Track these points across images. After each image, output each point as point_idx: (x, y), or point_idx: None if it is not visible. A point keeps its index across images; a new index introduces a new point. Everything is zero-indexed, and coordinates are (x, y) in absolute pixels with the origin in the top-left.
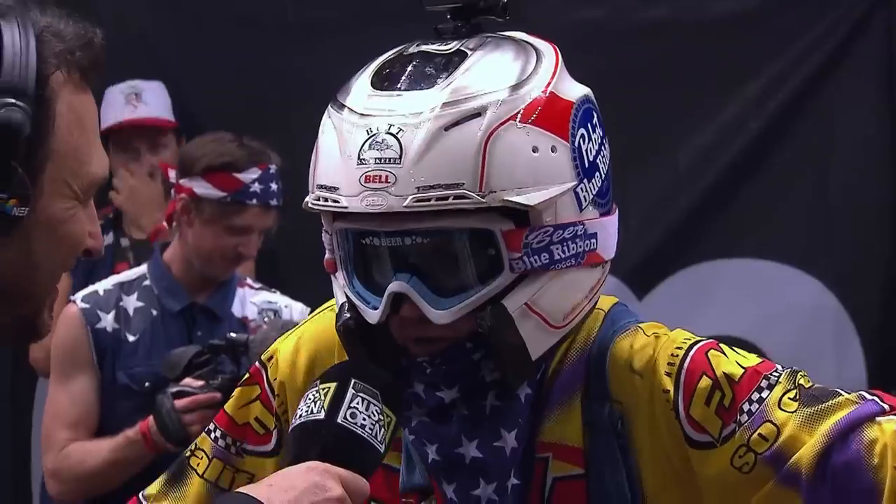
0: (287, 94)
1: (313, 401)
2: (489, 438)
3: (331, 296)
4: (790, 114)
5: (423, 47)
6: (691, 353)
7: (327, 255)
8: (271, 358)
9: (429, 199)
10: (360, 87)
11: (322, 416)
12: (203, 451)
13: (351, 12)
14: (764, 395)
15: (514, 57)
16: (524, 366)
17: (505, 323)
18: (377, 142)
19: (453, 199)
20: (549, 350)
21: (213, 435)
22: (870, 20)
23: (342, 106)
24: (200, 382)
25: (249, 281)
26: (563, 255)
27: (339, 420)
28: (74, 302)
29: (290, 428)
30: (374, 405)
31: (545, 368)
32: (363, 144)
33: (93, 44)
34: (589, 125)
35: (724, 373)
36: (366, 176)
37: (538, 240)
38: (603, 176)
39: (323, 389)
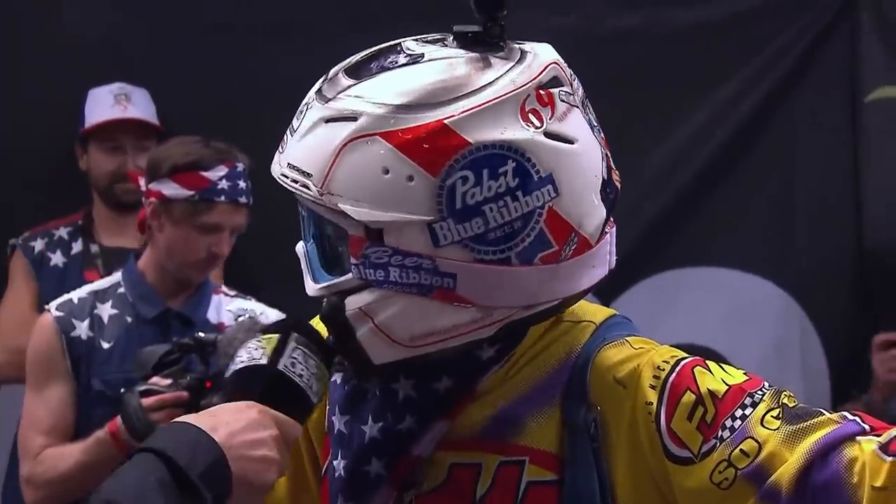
0: (258, 99)
1: (255, 348)
2: (356, 420)
3: (301, 300)
4: (755, 122)
5: (410, 42)
6: (677, 369)
7: None
8: None
9: (287, 178)
10: (336, 69)
11: (264, 361)
12: None
13: (324, 16)
14: (747, 412)
15: (448, 75)
16: (365, 364)
17: (339, 317)
18: (300, 111)
19: (300, 185)
20: (456, 362)
21: None
22: (833, 31)
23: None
24: (168, 381)
25: (224, 288)
26: (400, 280)
27: (279, 367)
28: (49, 310)
29: (229, 371)
30: (312, 359)
31: (460, 380)
32: (297, 113)
33: None
34: (485, 171)
35: (708, 389)
36: (283, 136)
37: (376, 255)
38: (492, 224)
39: (266, 339)
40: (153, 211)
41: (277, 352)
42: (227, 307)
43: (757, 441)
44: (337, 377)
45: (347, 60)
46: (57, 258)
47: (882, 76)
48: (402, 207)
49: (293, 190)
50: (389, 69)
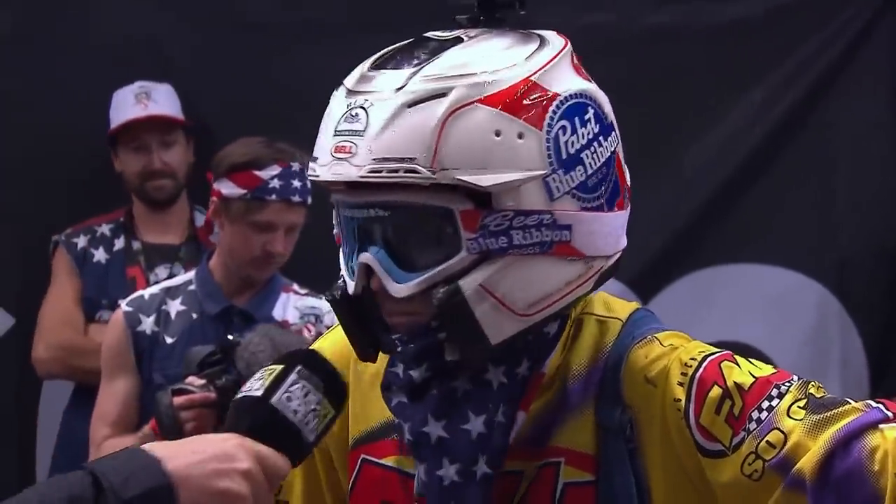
0: (293, 97)
1: (258, 379)
2: (457, 420)
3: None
4: (795, 120)
5: (433, 34)
6: (704, 364)
7: (335, 231)
8: None
9: (380, 171)
10: (361, 67)
11: (259, 394)
12: None
13: (353, 15)
14: (773, 403)
15: (507, 45)
16: (480, 348)
17: (457, 301)
18: (351, 115)
19: (403, 172)
20: (534, 343)
21: None
22: (874, 27)
23: (342, 84)
24: (202, 381)
25: (296, 286)
26: (523, 242)
27: (272, 401)
28: (120, 306)
29: (232, 401)
30: (314, 395)
31: (533, 364)
32: (341, 117)
33: None
34: (576, 119)
35: (734, 382)
36: (335, 146)
37: (496, 223)
38: (590, 171)
39: (269, 370)
40: (214, 209)
41: (275, 385)
42: (294, 304)
43: (783, 432)
44: (398, 396)
45: (371, 59)
46: (100, 254)
47: None
48: (520, 166)
49: (393, 180)
50: (445, 50)
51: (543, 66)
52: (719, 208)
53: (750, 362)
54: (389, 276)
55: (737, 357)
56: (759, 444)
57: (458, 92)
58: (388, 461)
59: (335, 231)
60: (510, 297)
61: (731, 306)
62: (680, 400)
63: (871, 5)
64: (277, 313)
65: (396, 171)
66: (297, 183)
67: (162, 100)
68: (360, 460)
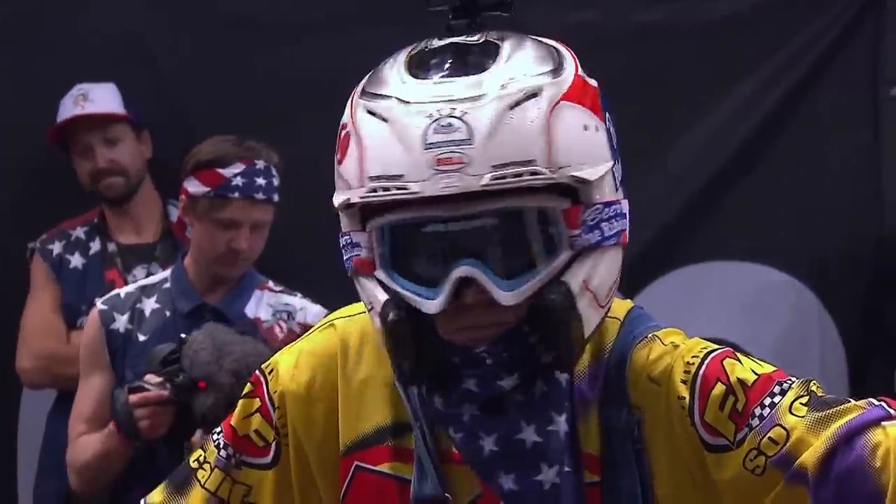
0: (281, 95)
1: None
2: (543, 423)
3: (345, 294)
4: (778, 117)
5: (450, 40)
6: (707, 361)
7: (360, 255)
8: (272, 370)
9: (504, 177)
10: (399, 78)
11: None
12: (208, 462)
13: (344, 12)
14: (776, 399)
15: (539, 45)
16: (580, 344)
17: (570, 300)
18: (442, 126)
19: (528, 175)
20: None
21: (218, 446)
22: (858, 25)
23: (383, 97)
24: (159, 379)
25: (271, 283)
26: (609, 233)
27: None
28: (95, 304)
29: None
30: None
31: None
32: (427, 129)
33: None
34: (607, 113)
35: (738, 378)
36: (437, 159)
37: (591, 217)
38: (620, 160)
39: None
40: (183, 207)
41: None
42: (268, 302)
43: (785, 428)
44: (469, 411)
45: (401, 69)
46: (76, 260)
47: None
48: (602, 157)
49: (518, 184)
50: (494, 52)
51: (577, 63)
52: (705, 205)
53: (751, 359)
54: (493, 285)
55: (738, 353)
56: (761, 440)
57: (549, 90)
58: (384, 468)
59: (362, 257)
60: (598, 290)
61: (713, 304)
62: (684, 398)
63: (857, 4)
64: (250, 310)
65: (520, 175)
66: (260, 181)
67: (99, 98)
68: (353, 467)
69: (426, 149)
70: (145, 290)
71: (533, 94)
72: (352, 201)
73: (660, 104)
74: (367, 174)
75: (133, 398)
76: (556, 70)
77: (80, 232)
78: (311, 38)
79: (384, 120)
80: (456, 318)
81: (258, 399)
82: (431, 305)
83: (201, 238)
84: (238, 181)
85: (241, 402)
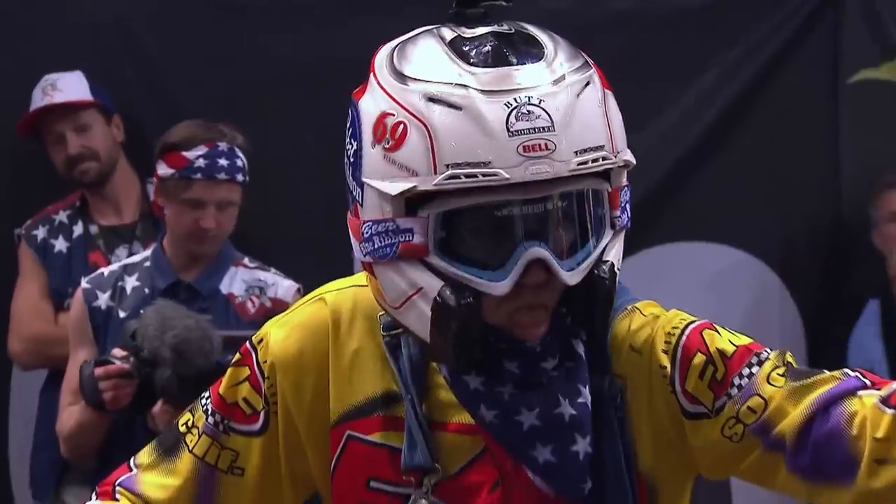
0: (265, 79)
1: None
2: (575, 396)
3: (314, 269)
4: (741, 104)
5: (486, 29)
6: (687, 332)
7: (411, 241)
8: (261, 341)
9: (586, 162)
10: (454, 65)
11: None
12: (196, 427)
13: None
14: (754, 370)
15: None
16: (607, 322)
17: (614, 277)
18: (523, 112)
19: (601, 161)
20: None
21: (206, 412)
22: (819, 16)
23: (447, 84)
24: (124, 353)
25: (246, 260)
26: (629, 214)
27: None
28: (80, 283)
29: None
30: None
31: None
32: (509, 116)
33: None
34: None
35: (717, 349)
36: (524, 146)
37: (624, 199)
38: None
39: None
40: (155, 189)
41: None
42: (242, 278)
43: (763, 398)
44: (508, 389)
45: (453, 58)
46: (60, 244)
47: (864, 59)
48: (626, 142)
49: (597, 169)
50: (536, 41)
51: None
52: (670, 188)
53: (728, 331)
54: (559, 264)
55: (716, 325)
56: (740, 408)
57: (595, 79)
58: (375, 437)
59: (415, 242)
60: (619, 267)
61: (680, 282)
62: (665, 367)
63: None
64: (224, 287)
65: (595, 160)
66: (223, 161)
67: (66, 87)
68: (345, 437)
69: (511, 136)
70: (127, 269)
71: (588, 83)
72: (422, 188)
73: (630, 91)
74: (444, 161)
75: (97, 371)
76: (587, 61)
77: (62, 216)
78: (298, 24)
79: (457, 108)
80: (509, 301)
81: (247, 368)
82: (498, 287)
83: (171, 218)
84: (201, 163)
85: (229, 370)
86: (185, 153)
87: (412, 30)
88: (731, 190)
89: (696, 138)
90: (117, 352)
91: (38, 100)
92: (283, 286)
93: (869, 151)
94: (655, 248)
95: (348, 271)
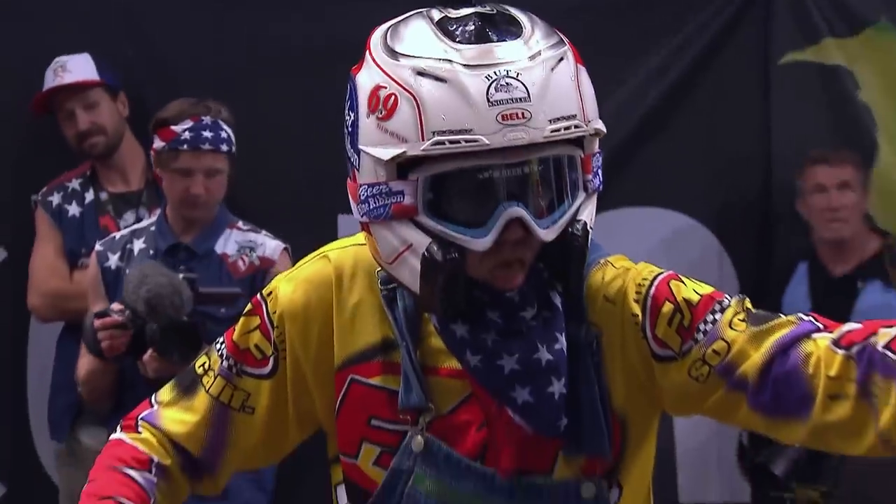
0: (256, 60)
1: None
2: (552, 343)
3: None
4: (684, 83)
5: (470, 10)
6: (656, 283)
7: (402, 202)
8: (270, 293)
9: (559, 130)
10: (439, 42)
11: None
12: (212, 370)
13: None
14: (717, 316)
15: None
16: (581, 275)
17: (587, 235)
18: (502, 84)
19: (573, 129)
20: None
21: (221, 356)
22: (751, 3)
23: (433, 59)
24: (121, 307)
25: (240, 223)
26: (601, 178)
27: None
28: (94, 246)
29: None
30: None
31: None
32: (489, 88)
33: None
34: None
35: (683, 298)
36: (502, 115)
37: (596, 164)
38: None
39: None
40: (153, 161)
41: None
42: (235, 239)
43: (726, 341)
44: (491, 336)
45: (438, 36)
46: (73, 209)
47: (791, 43)
48: (597, 113)
49: (569, 136)
50: (517, 21)
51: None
52: (623, 159)
53: (692, 281)
54: (535, 223)
55: (681, 276)
56: (705, 351)
57: (569, 55)
58: (375, 381)
59: (405, 203)
60: (591, 226)
61: (630, 244)
62: (637, 315)
63: None
64: (219, 247)
65: (569, 128)
66: (207, 133)
67: (76, 68)
68: (347, 380)
69: (490, 106)
70: (136, 233)
71: (561, 58)
72: (411, 154)
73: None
74: (431, 129)
75: (96, 323)
76: (562, 39)
77: (75, 184)
78: (290, 9)
79: (442, 80)
80: (489, 256)
81: (258, 318)
82: (480, 244)
83: (166, 186)
84: (186, 135)
85: (241, 319)
86: (173, 127)
87: (401, 13)
88: (675, 161)
89: (643, 115)
90: (115, 306)
91: (50, 80)
92: (270, 246)
93: (796, 126)
94: (609, 211)
95: (331, 234)
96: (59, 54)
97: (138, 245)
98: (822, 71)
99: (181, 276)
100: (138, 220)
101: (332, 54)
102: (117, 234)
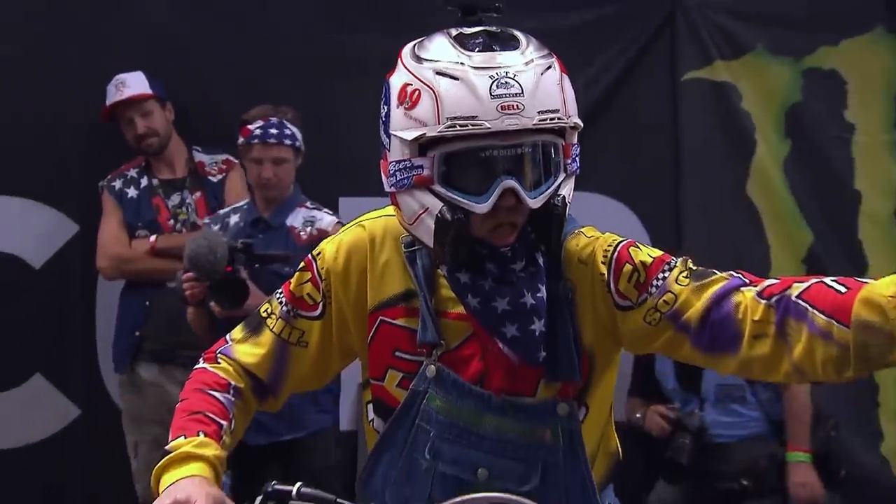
0: (270, 72)
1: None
2: (534, 291)
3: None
4: (610, 92)
5: (480, 28)
6: (619, 248)
7: (422, 174)
8: (319, 253)
9: (545, 120)
10: (456, 51)
11: None
12: (274, 313)
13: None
14: (666, 274)
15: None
16: (560, 238)
17: (565, 206)
18: (502, 83)
19: (556, 120)
20: None
21: (281, 303)
22: (661, 32)
23: (451, 62)
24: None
25: (308, 203)
26: (578, 164)
27: None
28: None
29: None
30: None
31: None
32: (492, 85)
33: None
34: None
35: (640, 261)
36: (502, 105)
37: (575, 152)
38: None
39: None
40: (240, 153)
41: None
42: (302, 215)
43: (674, 294)
44: (488, 283)
45: (454, 45)
46: (132, 192)
47: (690, 64)
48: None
49: (552, 126)
50: (516, 36)
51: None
52: None
53: (647, 247)
54: (526, 193)
55: (638, 243)
56: (657, 301)
57: (556, 64)
58: (399, 321)
59: (424, 175)
60: (568, 202)
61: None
62: (604, 273)
63: (659, 18)
64: (289, 221)
65: (553, 119)
66: (273, 130)
67: (133, 84)
68: (378, 321)
69: (493, 98)
70: (234, 210)
71: (549, 66)
72: (430, 135)
73: None
74: (446, 115)
75: (183, 277)
76: (550, 52)
77: (133, 172)
78: (309, 25)
79: (455, 78)
80: (488, 218)
81: (309, 272)
82: (481, 208)
83: (248, 173)
84: (257, 132)
85: (296, 273)
86: (249, 126)
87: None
88: (602, 154)
89: (583, 115)
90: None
91: (112, 94)
92: (326, 220)
93: (696, 123)
94: None
95: (333, 213)
96: (117, 72)
97: (234, 219)
98: (714, 86)
99: (240, 242)
100: (182, 200)
101: (327, 67)
102: (221, 211)
